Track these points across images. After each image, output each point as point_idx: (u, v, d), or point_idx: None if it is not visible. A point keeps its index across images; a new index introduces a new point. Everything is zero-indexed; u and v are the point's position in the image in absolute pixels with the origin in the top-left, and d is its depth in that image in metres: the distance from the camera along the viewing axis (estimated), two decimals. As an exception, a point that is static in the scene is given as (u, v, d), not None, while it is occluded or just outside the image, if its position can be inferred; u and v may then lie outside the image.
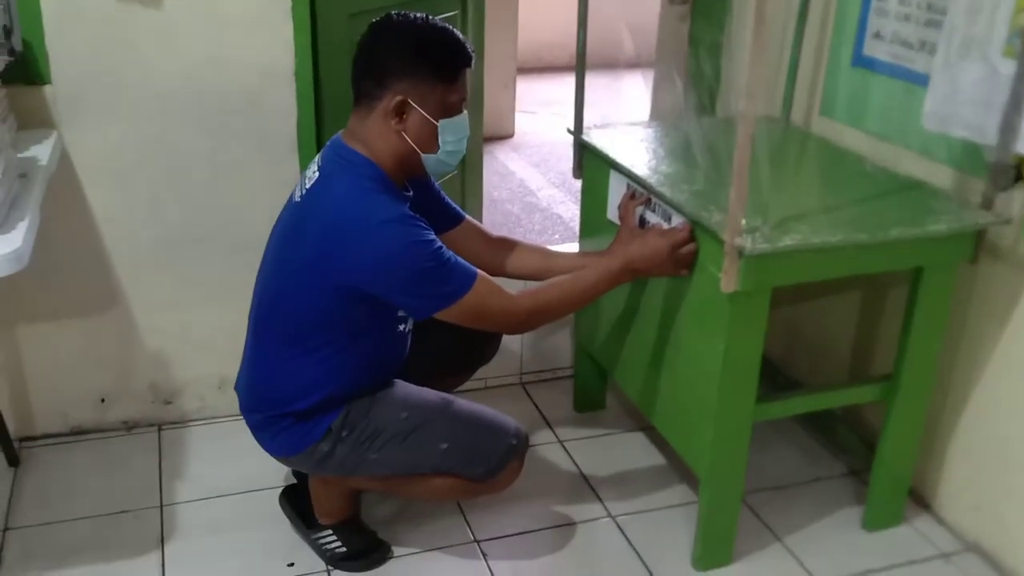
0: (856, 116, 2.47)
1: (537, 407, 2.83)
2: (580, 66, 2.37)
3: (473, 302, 1.86)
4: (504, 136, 5.55)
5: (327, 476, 2.12)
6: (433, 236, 1.85)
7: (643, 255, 1.99)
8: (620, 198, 2.24)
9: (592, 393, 2.77)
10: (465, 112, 1.92)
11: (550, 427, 2.73)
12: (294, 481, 2.33)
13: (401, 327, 2.03)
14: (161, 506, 2.39)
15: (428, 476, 2.03)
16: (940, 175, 2.18)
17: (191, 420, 2.73)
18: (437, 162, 1.93)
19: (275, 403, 2.01)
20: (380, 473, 2.04)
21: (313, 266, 1.87)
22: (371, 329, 1.97)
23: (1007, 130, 1.87)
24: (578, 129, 2.42)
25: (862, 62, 2.44)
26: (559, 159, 5.08)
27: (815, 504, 2.39)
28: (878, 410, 2.20)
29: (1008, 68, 1.84)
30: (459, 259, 1.87)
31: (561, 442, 2.66)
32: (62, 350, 2.57)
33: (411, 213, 1.87)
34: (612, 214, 2.29)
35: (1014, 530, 2.12)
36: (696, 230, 1.97)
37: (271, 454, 2.11)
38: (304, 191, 1.94)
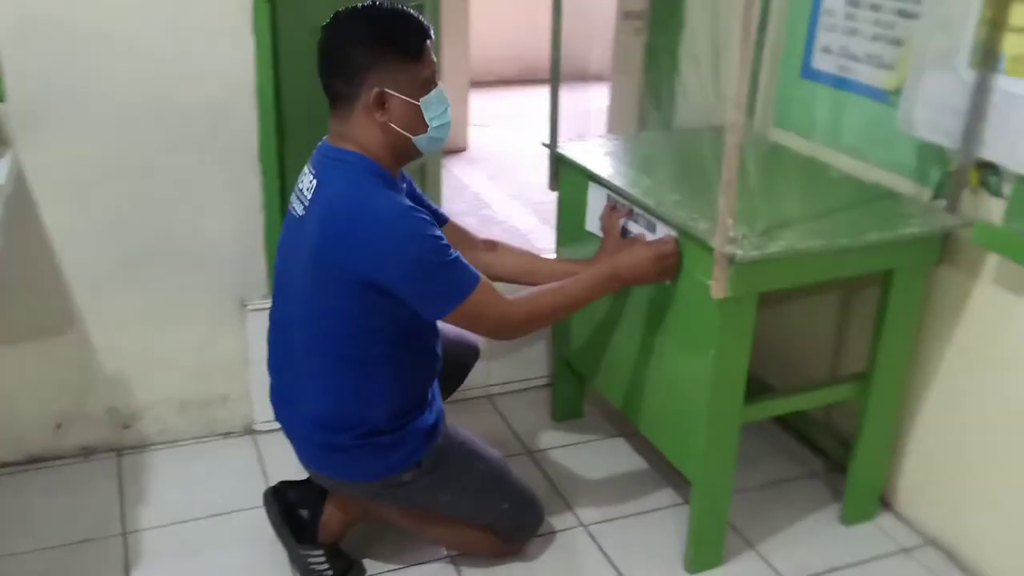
0: (807, 127, 2.55)
1: (504, 419, 2.83)
2: (554, 80, 2.40)
3: (475, 304, 1.87)
4: (458, 149, 5.55)
5: (365, 502, 2.15)
6: (440, 231, 1.86)
7: (630, 264, 2.02)
8: (599, 210, 2.27)
9: (571, 402, 2.79)
10: (440, 84, 1.92)
11: (519, 439, 2.73)
12: (276, 490, 2.27)
13: (434, 326, 2.04)
14: (124, 533, 2.32)
15: (467, 525, 2.15)
16: (889, 183, 2.27)
17: (151, 444, 2.65)
18: (429, 140, 1.92)
19: (359, 423, 1.97)
20: (434, 512, 2.13)
21: (332, 267, 1.85)
22: (413, 329, 1.97)
23: (969, 135, 1.96)
24: (553, 142, 2.45)
25: (811, 75, 2.53)
26: (514, 171, 5.09)
27: (792, 503, 2.46)
28: (844, 410, 2.28)
29: (972, 77, 1.93)
30: (464, 259, 1.88)
31: (531, 453, 2.66)
32: (17, 374, 2.47)
33: (416, 207, 1.88)
34: (591, 225, 2.32)
35: (971, 524, 2.21)
36: (682, 239, 2.00)
37: (333, 476, 2.07)
38: (306, 203, 1.91)
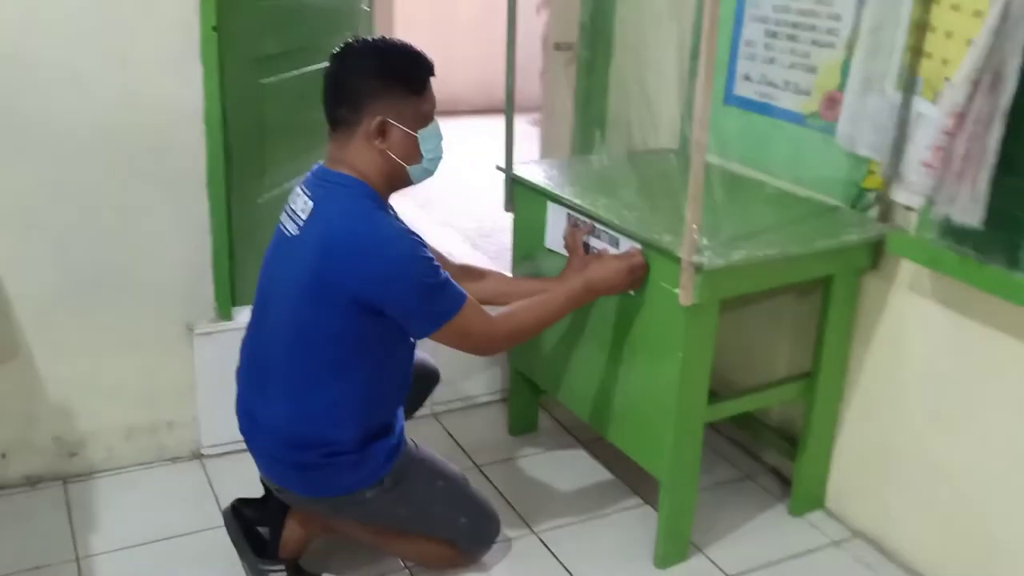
0: (730, 149, 2.74)
1: (451, 436, 2.89)
2: (509, 107, 2.52)
3: (462, 322, 1.94)
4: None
5: (326, 518, 2.18)
6: (431, 253, 1.93)
7: (603, 276, 2.14)
8: (559, 228, 2.38)
9: (526, 416, 2.88)
10: (436, 119, 2.01)
11: (467, 455, 2.79)
12: (235, 507, 2.26)
13: (411, 344, 2.10)
14: (77, 559, 2.28)
15: (426, 539, 2.21)
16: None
17: (97, 471, 2.59)
18: (422, 171, 2.02)
19: (327, 442, 2.01)
20: (395, 527, 2.19)
21: (329, 286, 1.90)
22: (392, 351, 2.04)
23: (896, 151, 2.17)
24: (509, 166, 2.56)
25: (733, 100, 2.72)
26: (444, 199, 5.13)
27: (734, 503, 2.60)
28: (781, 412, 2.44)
29: (898, 98, 2.15)
30: (452, 280, 1.95)
31: (479, 468, 2.73)
32: (-41, 406, 2.39)
33: (411, 230, 1.94)
34: (552, 243, 2.43)
35: (895, 516, 2.39)
36: (647, 252, 2.14)
37: (297, 492, 2.09)
38: (302, 222, 1.96)
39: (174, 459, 2.68)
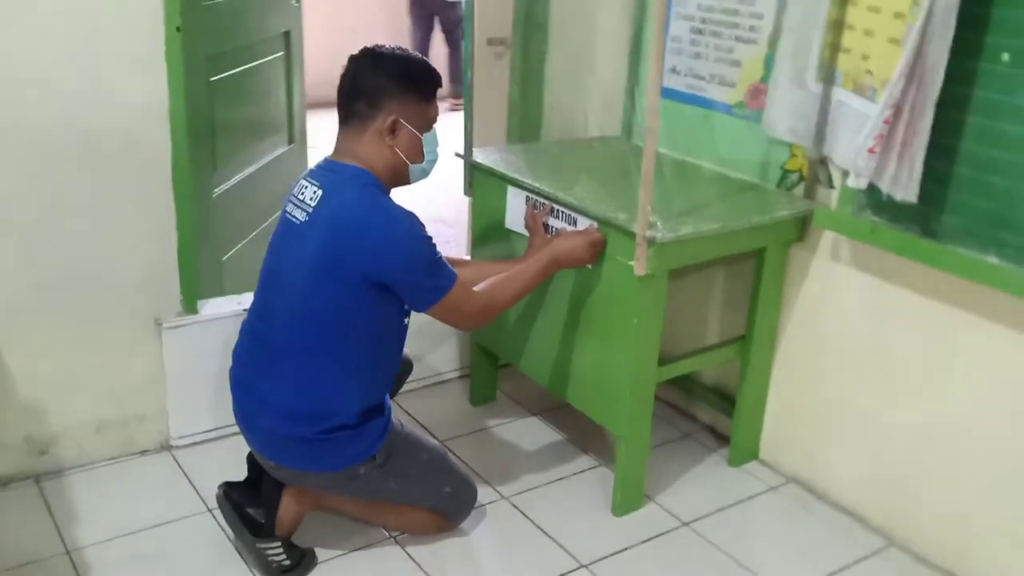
0: (662, 137, 2.96)
1: (410, 415, 3.04)
2: (467, 95, 2.68)
3: (455, 297, 2.15)
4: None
5: (318, 494, 2.32)
6: (429, 234, 2.13)
7: (567, 250, 2.35)
8: (519, 209, 2.58)
9: (486, 387, 3.07)
10: (435, 127, 2.22)
11: (428, 431, 2.94)
12: (226, 490, 2.36)
13: (404, 325, 2.27)
14: (68, 552, 2.34)
15: (412, 509, 2.38)
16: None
17: (68, 468, 2.64)
18: (421, 171, 2.22)
19: (329, 416, 2.15)
20: (383, 499, 2.35)
21: (341, 265, 2.06)
22: (385, 334, 2.21)
23: (818, 136, 2.44)
24: (468, 152, 2.73)
25: (663, 93, 2.95)
26: None
27: (676, 458, 2.85)
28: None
29: (818, 89, 2.41)
30: (444, 259, 2.16)
31: (442, 442, 2.87)
32: (-69, 407, 2.41)
33: (412, 213, 2.12)
34: (512, 223, 2.63)
35: (824, 462, 2.68)
36: (604, 228, 2.35)
37: (293, 467, 2.21)
38: (310, 210, 2.10)
39: (143, 452, 2.75)
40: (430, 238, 2.13)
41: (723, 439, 2.93)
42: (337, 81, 2.16)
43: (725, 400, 2.88)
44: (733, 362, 2.74)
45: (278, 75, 3.47)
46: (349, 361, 2.15)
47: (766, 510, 2.65)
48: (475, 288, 2.25)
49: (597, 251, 2.37)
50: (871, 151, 2.07)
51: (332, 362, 2.14)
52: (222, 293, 2.92)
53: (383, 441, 2.24)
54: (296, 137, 3.66)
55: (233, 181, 3.10)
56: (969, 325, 2.24)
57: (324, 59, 4.12)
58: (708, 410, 3.00)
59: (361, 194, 2.11)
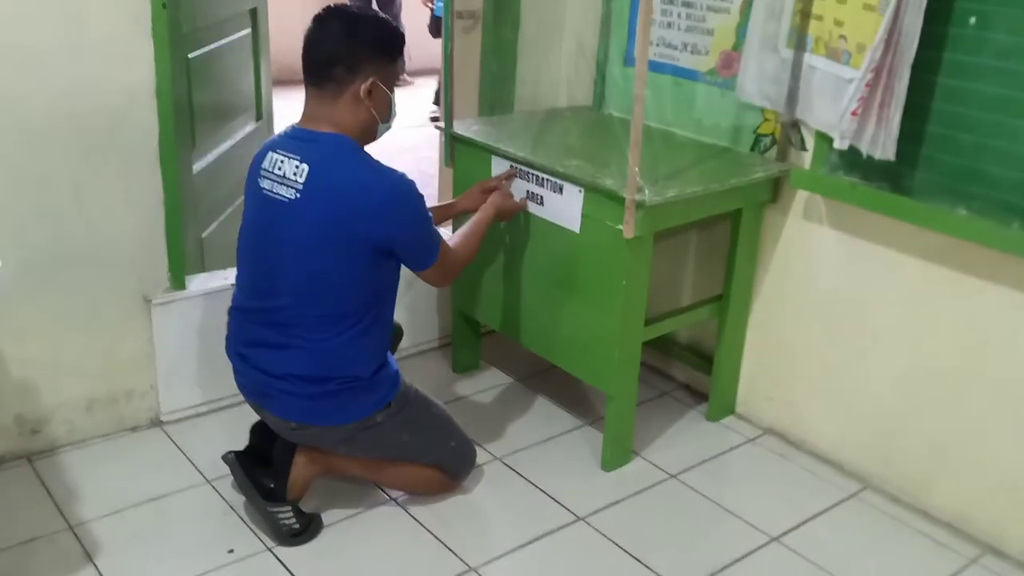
0: (632, 106, 3.04)
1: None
2: (447, 68, 2.72)
3: (444, 254, 2.28)
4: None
5: (329, 456, 2.37)
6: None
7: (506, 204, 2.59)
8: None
9: (469, 354, 3.13)
10: None
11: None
12: (237, 455, 2.40)
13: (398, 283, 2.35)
14: (71, 527, 2.36)
15: (417, 465, 2.45)
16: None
17: (61, 446, 2.65)
18: (385, 127, 2.29)
19: (346, 374, 2.23)
20: (393, 455, 2.41)
21: (348, 234, 2.12)
22: (388, 291, 2.29)
23: (791, 100, 2.54)
24: (448, 124, 2.78)
25: (632, 62, 3.02)
26: None
27: (656, 415, 2.96)
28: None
29: (790, 55, 2.51)
30: None
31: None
32: (-77, 389, 2.40)
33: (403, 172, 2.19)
34: (498, 191, 2.68)
35: (799, 412, 2.81)
36: (590, 194, 2.43)
37: (315, 422, 2.26)
38: (300, 185, 2.13)
39: (134, 428, 2.76)
40: (422, 196, 2.20)
41: (699, 396, 3.05)
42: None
43: (701, 358, 3.00)
44: (709, 321, 2.85)
45: (247, 52, 3.47)
46: (361, 323, 2.21)
47: (747, 460, 2.77)
48: (451, 244, 2.37)
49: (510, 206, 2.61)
50: (854, 113, 2.18)
51: (346, 327, 2.20)
52: (204, 270, 2.94)
53: (396, 390, 2.33)
54: (264, 114, 3.67)
55: (209, 158, 3.11)
56: (939, 277, 2.37)
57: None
58: (684, 368, 3.11)
59: (351, 161, 2.15)
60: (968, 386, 2.37)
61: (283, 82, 4.60)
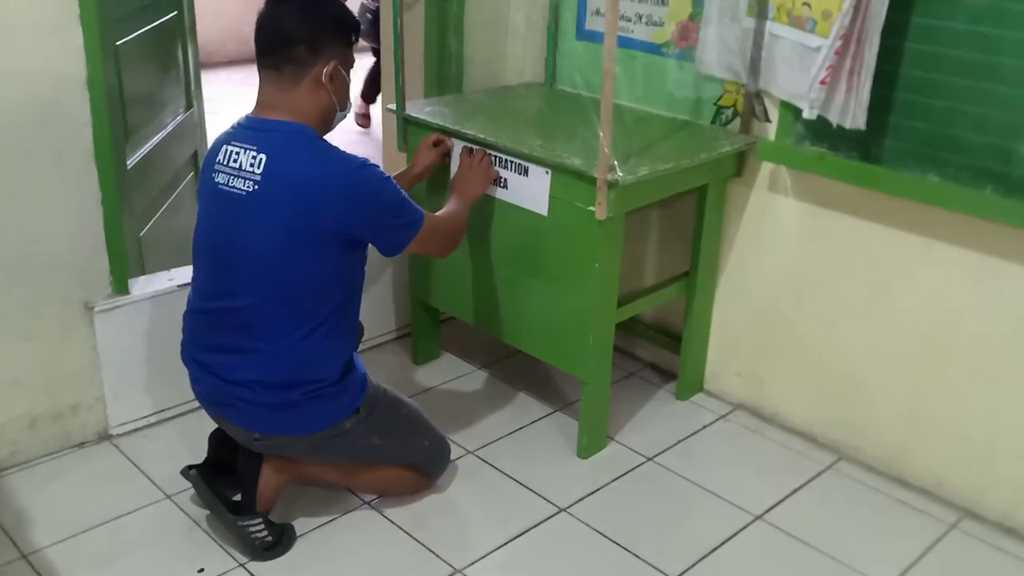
0: (586, 81, 2.98)
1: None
2: (397, 51, 2.61)
3: (428, 228, 2.18)
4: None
5: (298, 464, 2.26)
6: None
7: (473, 189, 2.49)
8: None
9: (430, 344, 3.04)
10: None
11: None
12: (197, 468, 2.28)
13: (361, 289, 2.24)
14: (24, 556, 2.20)
15: (392, 467, 2.35)
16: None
17: (4, 469, 2.48)
18: (342, 115, 2.18)
19: (312, 378, 2.10)
20: (365, 459, 2.31)
21: (312, 228, 2.00)
22: (355, 286, 2.18)
23: (753, 71, 2.49)
24: (400, 106, 2.66)
25: (584, 35, 2.96)
26: None
27: (626, 397, 2.90)
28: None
29: (750, 24, 2.46)
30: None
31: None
32: None
33: (366, 157, 2.08)
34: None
35: (768, 386, 2.79)
36: (558, 175, 2.35)
37: (282, 433, 2.15)
38: (257, 177, 2.00)
39: (82, 444, 2.60)
40: (390, 177, 2.11)
41: (666, 375, 3.01)
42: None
43: (667, 336, 2.95)
44: (675, 299, 2.80)
45: (174, 37, 3.28)
46: (327, 322, 2.11)
47: (720, 438, 2.74)
48: (438, 214, 2.30)
49: (491, 178, 2.49)
50: (823, 82, 2.14)
51: (312, 327, 2.08)
52: (144, 271, 2.78)
53: (364, 393, 2.22)
54: (193, 102, 3.49)
55: (143, 151, 2.93)
56: (910, 246, 2.36)
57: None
58: (650, 347, 3.07)
59: (311, 150, 2.04)
60: (941, 354, 2.37)
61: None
